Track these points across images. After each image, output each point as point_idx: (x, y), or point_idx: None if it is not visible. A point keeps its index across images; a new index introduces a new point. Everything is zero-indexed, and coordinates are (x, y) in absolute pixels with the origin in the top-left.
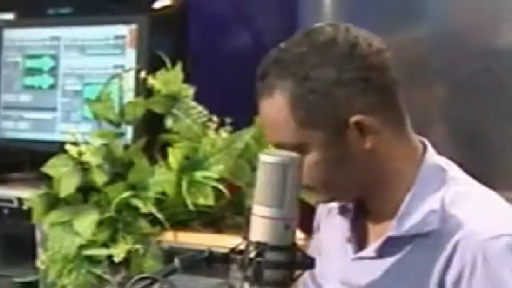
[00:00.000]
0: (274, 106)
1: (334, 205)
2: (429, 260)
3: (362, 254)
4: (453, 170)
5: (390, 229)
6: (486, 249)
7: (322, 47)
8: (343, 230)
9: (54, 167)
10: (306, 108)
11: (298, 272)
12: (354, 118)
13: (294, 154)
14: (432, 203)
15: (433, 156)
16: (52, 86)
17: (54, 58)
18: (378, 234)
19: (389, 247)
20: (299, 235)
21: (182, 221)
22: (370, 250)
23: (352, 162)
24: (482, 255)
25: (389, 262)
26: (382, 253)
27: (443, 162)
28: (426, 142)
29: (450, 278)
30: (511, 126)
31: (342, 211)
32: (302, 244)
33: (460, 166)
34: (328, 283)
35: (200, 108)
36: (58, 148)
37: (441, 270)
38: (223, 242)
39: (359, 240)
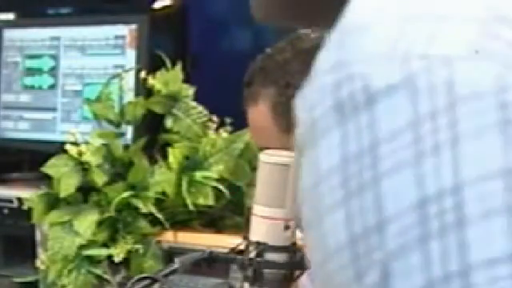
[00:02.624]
0: (259, 113)
1: None
2: None
3: None
4: None
5: None
6: None
7: (304, 54)
8: None
9: (54, 167)
10: (287, 115)
11: (297, 272)
12: None
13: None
14: None
15: None
16: (52, 86)
17: (54, 58)
18: None
19: None
20: (299, 235)
21: (182, 221)
22: None
23: None
24: None
25: None
26: None
27: None
28: None
29: None
30: None
31: None
32: (301, 244)
33: None
34: None
35: (200, 108)
36: (58, 148)
37: None
38: (223, 242)
39: None
